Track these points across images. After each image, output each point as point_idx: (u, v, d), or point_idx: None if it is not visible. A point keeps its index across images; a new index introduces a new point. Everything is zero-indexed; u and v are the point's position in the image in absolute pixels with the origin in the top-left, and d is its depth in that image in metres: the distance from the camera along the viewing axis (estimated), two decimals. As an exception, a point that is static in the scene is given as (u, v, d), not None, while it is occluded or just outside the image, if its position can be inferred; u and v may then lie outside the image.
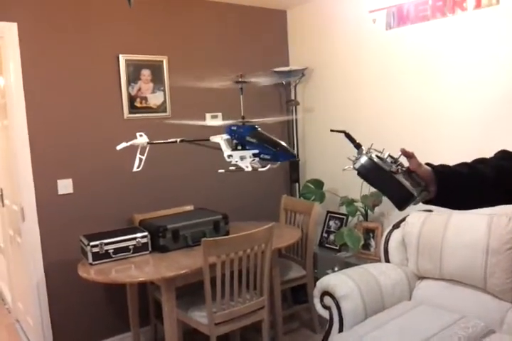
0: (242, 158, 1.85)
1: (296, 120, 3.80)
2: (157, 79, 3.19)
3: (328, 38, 3.54)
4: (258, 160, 1.87)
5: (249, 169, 1.85)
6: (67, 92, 2.90)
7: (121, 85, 3.05)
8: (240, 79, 2.11)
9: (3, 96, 2.95)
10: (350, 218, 3.36)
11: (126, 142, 2.18)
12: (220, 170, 1.94)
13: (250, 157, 1.85)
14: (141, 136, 2.19)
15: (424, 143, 2.96)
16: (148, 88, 3.16)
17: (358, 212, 3.18)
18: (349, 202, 3.13)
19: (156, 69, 3.17)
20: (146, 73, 3.13)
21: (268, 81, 2.53)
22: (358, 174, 1.14)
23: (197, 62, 3.41)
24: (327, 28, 3.53)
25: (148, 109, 3.18)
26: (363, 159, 1.14)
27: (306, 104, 3.82)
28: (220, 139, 1.91)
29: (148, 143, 2.17)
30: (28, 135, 2.78)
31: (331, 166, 3.63)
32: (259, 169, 1.89)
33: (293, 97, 3.77)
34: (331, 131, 1.33)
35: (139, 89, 3.12)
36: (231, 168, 1.92)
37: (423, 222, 2.65)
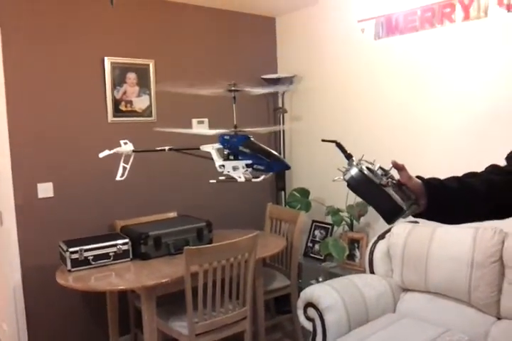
0: (234, 169, 1.81)
1: (283, 128, 3.78)
2: (143, 83, 3.14)
3: (317, 46, 3.53)
4: (251, 171, 1.82)
5: (242, 179, 1.79)
6: (49, 94, 2.83)
7: (106, 88, 3.00)
8: (233, 88, 2.07)
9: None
10: (335, 228, 3.33)
11: (110, 150, 2.11)
12: (211, 181, 1.88)
13: (243, 167, 1.80)
14: (125, 143, 2.11)
15: (413, 154, 2.95)
16: (133, 91, 3.10)
17: (344, 222, 3.15)
18: (334, 212, 3.10)
19: (142, 73, 3.13)
20: (131, 76, 3.08)
21: (261, 90, 2.48)
22: (348, 186, 1.11)
23: (184, 67, 3.37)
24: (316, 37, 3.52)
25: (134, 113, 3.13)
26: (353, 171, 1.12)
27: (293, 112, 3.79)
28: (211, 149, 1.86)
29: (133, 151, 2.10)
30: (8, 137, 2.70)
31: (318, 175, 3.61)
32: (253, 180, 1.83)
33: (281, 105, 3.74)
34: (323, 140, 1.30)
35: (124, 93, 3.07)
36: (221, 177, 1.87)
37: (408, 233, 2.63)
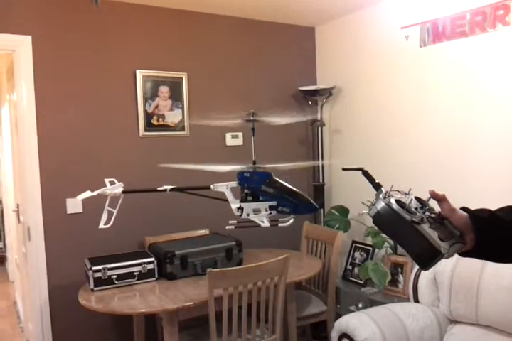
0: (255, 211, 1.54)
1: (321, 142, 3.59)
2: (176, 97, 3.06)
3: (357, 55, 3.34)
4: (275, 214, 1.56)
5: (267, 225, 1.52)
6: (80, 108, 2.80)
7: (138, 102, 2.94)
8: (252, 118, 1.82)
9: (14, 112, 2.87)
10: (377, 250, 3.08)
11: (92, 191, 1.82)
12: (227, 227, 1.60)
13: (266, 210, 1.53)
14: (111, 182, 1.81)
15: (465, 169, 2.69)
16: (166, 105, 3.03)
17: (386, 244, 2.91)
18: (375, 233, 2.87)
19: (174, 86, 3.05)
20: (164, 90, 3.01)
21: (280, 120, 2.20)
22: (374, 223, 0.91)
23: (219, 80, 3.27)
24: (357, 46, 3.34)
25: (166, 127, 3.04)
26: (380, 205, 0.90)
27: (332, 125, 3.60)
28: (226, 188, 1.63)
29: (123, 192, 1.79)
30: (38, 151, 2.68)
31: (358, 192, 3.38)
32: (280, 224, 1.57)
33: (319, 118, 3.56)
34: (343, 169, 1.10)
35: (157, 106, 2.99)
36: (239, 222, 1.59)
37: (458, 258, 2.36)
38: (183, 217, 3.15)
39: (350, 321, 2.25)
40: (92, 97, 2.83)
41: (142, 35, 2.97)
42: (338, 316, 2.44)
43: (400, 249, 2.96)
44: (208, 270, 2.14)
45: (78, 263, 2.76)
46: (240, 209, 1.53)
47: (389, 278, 2.73)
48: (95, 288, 2.41)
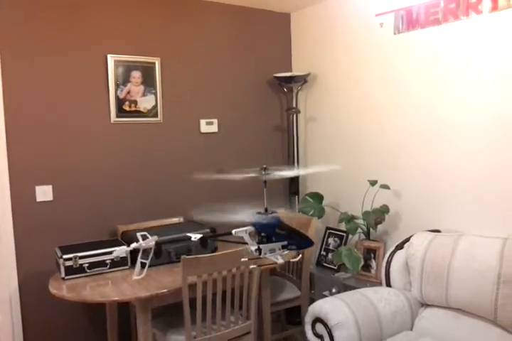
0: (271, 251, 1.79)
1: (297, 129, 3.58)
2: (148, 82, 3.00)
3: (333, 42, 3.33)
4: (285, 251, 1.83)
5: (282, 261, 1.79)
6: (49, 93, 2.72)
7: (109, 87, 2.87)
8: (264, 172, 2.09)
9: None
10: (350, 236, 3.11)
11: (128, 246, 1.97)
12: (243, 259, 1.92)
13: (279, 249, 1.79)
14: (143, 236, 1.95)
15: (437, 158, 2.72)
16: (138, 91, 2.96)
17: (359, 230, 2.93)
18: (349, 219, 2.89)
19: (147, 72, 2.98)
20: (136, 75, 2.94)
21: (287, 173, 2.38)
22: None
23: (192, 65, 3.22)
24: (332, 32, 3.32)
25: (138, 113, 2.99)
26: None
27: (308, 112, 3.60)
28: (245, 233, 1.82)
29: (156, 243, 1.95)
30: (6, 137, 2.60)
31: (333, 179, 3.40)
32: (292, 260, 2.07)
33: (294, 105, 3.55)
34: None
35: (129, 92, 2.93)
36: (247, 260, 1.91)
37: (429, 243, 2.40)
38: (156, 205, 3.11)
39: (324, 306, 2.27)
40: (61, 82, 2.75)
41: (114, 18, 2.89)
42: (312, 301, 2.46)
43: (373, 234, 3.00)
44: (182, 257, 2.13)
45: (49, 252, 2.71)
46: (258, 250, 1.78)
47: (362, 263, 2.77)
48: (66, 277, 2.37)
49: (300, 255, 1.91)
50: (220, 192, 3.35)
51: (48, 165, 2.73)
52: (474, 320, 2.22)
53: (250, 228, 1.83)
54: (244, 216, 1.88)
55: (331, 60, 3.35)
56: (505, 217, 2.41)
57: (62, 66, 2.75)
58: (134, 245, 1.96)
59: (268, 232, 1.82)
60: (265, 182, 1.99)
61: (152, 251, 1.98)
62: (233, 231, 1.85)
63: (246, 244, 1.81)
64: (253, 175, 2.04)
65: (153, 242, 1.97)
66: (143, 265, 2.00)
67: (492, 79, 2.43)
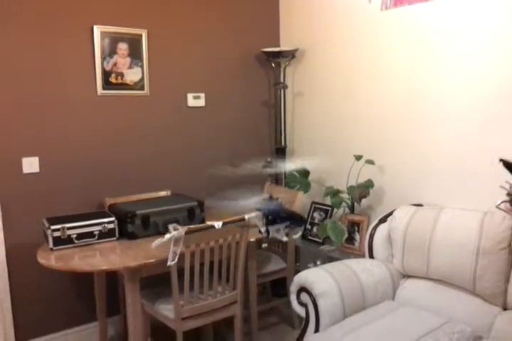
0: (277, 231, 2.17)
1: (284, 104, 3.59)
2: (135, 54, 2.96)
3: (321, 17, 3.31)
4: (288, 230, 2.23)
5: (286, 239, 2.23)
6: (34, 64, 2.67)
7: (95, 59, 2.83)
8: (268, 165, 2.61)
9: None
10: (335, 210, 3.17)
11: (163, 237, 2.13)
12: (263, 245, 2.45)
13: (284, 229, 2.18)
14: (175, 228, 2.17)
15: (421, 133, 2.77)
16: (125, 63, 2.93)
17: (344, 204, 2.99)
18: (334, 193, 2.94)
19: (134, 43, 2.95)
20: (123, 47, 2.90)
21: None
22: None
23: (180, 38, 3.18)
24: (321, 7, 3.30)
25: (125, 86, 2.96)
26: None
27: (295, 88, 3.60)
28: (255, 218, 2.19)
29: (186, 232, 2.14)
30: (-10, 108, 2.56)
31: (319, 154, 3.44)
32: (294, 237, 2.55)
33: (282, 80, 3.55)
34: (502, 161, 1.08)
35: (115, 64, 2.90)
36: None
37: (411, 217, 2.46)
38: (144, 179, 3.12)
39: (309, 275, 2.33)
40: (47, 54, 2.70)
41: (99, -13, 2.83)
42: (297, 273, 2.51)
43: (357, 209, 3.06)
44: (170, 227, 2.16)
45: (36, 224, 2.71)
46: (267, 231, 2.15)
47: (346, 235, 2.83)
48: (54, 248, 2.39)
49: (300, 232, 2.35)
50: (209, 167, 3.37)
51: (35, 137, 2.71)
52: (454, 290, 2.29)
53: (259, 213, 2.20)
54: (250, 202, 2.30)
55: (320, 35, 3.34)
56: (484, 192, 2.47)
57: (48, 37, 2.70)
58: (167, 236, 2.11)
59: (274, 216, 2.17)
60: (270, 175, 2.37)
61: (182, 240, 2.14)
62: (246, 217, 2.25)
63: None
64: (255, 168, 2.44)
65: (184, 231, 2.13)
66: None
67: (477, 56, 2.45)
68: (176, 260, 2.14)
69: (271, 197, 2.30)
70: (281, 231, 2.18)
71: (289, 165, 3.56)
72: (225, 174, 3.43)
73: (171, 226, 2.21)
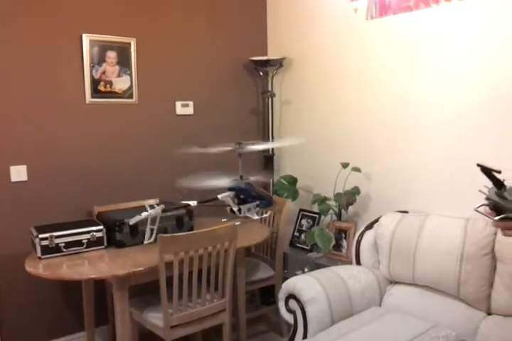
0: (249, 210, 2.25)
1: (272, 112, 3.63)
2: (124, 63, 2.98)
3: (308, 27, 3.36)
4: (258, 209, 2.31)
5: (256, 217, 2.30)
6: (23, 72, 2.68)
7: (84, 67, 2.84)
8: (238, 147, 2.45)
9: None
10: (323, 217, 3.20)
11: (140, 214, 2.33)
12: (237, 223, 2.42)
13: (254, 208, 2.26)
14: (151, 206, 2.35)
15: (406, 140, 2.82)
16: (113, 71, 2.95)
17: (331, 211, 3.02)
18: (321, 200, 2.97)
19: (122, 52, 2.97)
20: (111, 55, 2.92)
21: (259, 147, 2.86)
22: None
23: (168, 47, 3.21)
24: (308, 17, 3.36)
25: (113, 94, 2.97)
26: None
27: (283, 96, 3.64)
28: (228, 198, 2.25)
29: (162, 211, 2.33)
30: (-23, 116, 2.56)
31: (306, 162, 3.47)
32: (263, 216, 2.54)
33: (270, 89, 3.59)
34: (479, 166, 1.15)
35: (104, 72, 2.91)
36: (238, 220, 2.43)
37: (397, 223, 2.50)
38: (132, 187, 3.13)
39: (297, 282, 2.35)
40: (36, 61, 2.71)
41: (88, -3, 2.86)
42: (285, 280, 2.53)
43: (344, 216, 3.09)
44: (159, 235, 2.17)
45: (24, 233, 2.70)
46: (239, 209, 2.23)
47: (333, 242, 2.86)
48: (42, 256, 2.38)
49: (270, 211, 2.53)
50: (196, 174, 3.38)
51: (23, 145, 2.71)
52: (440, 296, 2.33)
53: (232, 193, 2.26)
54: (223, 182, 2.32)
55: (307, 44, 3.39)
56: (467, 199, 2.52)
57: (37, 45, 2.71)
58: (145, 214, 2.32)
59: (245, 195, 2.25)
60: (240, 154, 2.43)
61: (159, 217, 2.35)
62: (219, 196, 2.27)
63: (227, 206, 2.28)
64: (229, 148, 2.44)
65: (160, 209, 2.30)
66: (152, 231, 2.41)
67: (461, 66, 2.51)
68: (152, 238, 2.27)
69: (241, 177, 2.33)
70: (253, 210, 2.26)
71: (277, 173, 3.59)
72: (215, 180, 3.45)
73: (147, 205, 2.37)
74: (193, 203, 2.34)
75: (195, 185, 3.14)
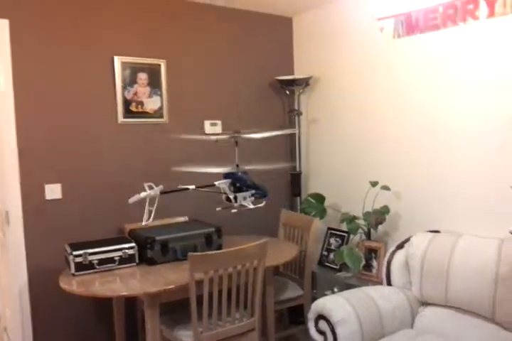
0: (244, 198, 2.35)
1: (299, 131, 3.65)
2: (154, 84, 3.07)
3: (334, 46, 3.40)
4: (253, 199, 2.43)
5: (252, 206, 2.40)
6: (58, 94, 2.78)
7: (116, 88, 2.93)
8: (235, 135, 2.53)
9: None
10: (352, 236, 3.18)
11: (139, 193, 2.36)
12: (218, 209, 2.51)
13: (249, 197, 2.37)
14: (150, 187, 2.36)
15: (436, 160, 2.79)
16: (144, 92, 3.03)
17: (360, 230, 3.00)
18: (350, 219, 2.96)
19: (153, 73, 3.05)
20: (142, 77, 3.01)
21: (258, 135, 2.77)
22: None
23: (197, 67, 3.29)
24: (334, 36, 3.40)
25: (145, 114, 3.05)
26: None
27: (310, 114, 3.67)
28: (225, 185, 2.34)
29: (161, 193, 2.37)
30: (16, 137, 2.66)
31: (335, 180, 3.47)
32: (259, 205, 2.54)
33: (296, 107, 3.62)
34: None
35: (135, 93, 3.00)
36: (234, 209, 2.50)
37: (429, 243, 2.47)
38: (162, 205, 3.15)
39: (327, 303, 2.33)
40: (70, 83, 2.82)
41: (121, 21, 2.96)
42: (314, 300, 2.51)
43: (373, 235, 3.06)
44: (189, 254, 2.19)
45: (58, 249, 2.77)
46: (235, 197, 2.31)
47: (363, 262, 2.83)
48: (76, 273, 2.43)
49: (264, 202, 2.59)
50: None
51: (57, 164, 2.80)
52: (473, 318, 2.28)
53: (228, 181, 2.35)
54: (221, 170, 2.45)
55: (333, 63, 3.43)
56: (501, 219, 2.48)
57: (72, 67, 2.82)
58: (143, 194, 2.33)
59: (241, 183, 2.36)
60: (236, 142, 2.53)
61: (157, 199, 2.36)
62: (216, 183, 2.38)
63: (224, 193, 2.38)
64: (225, 136, 2.64)
65: (159, 191, 2.34)
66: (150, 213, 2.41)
67: (490, 84, 2.50)
68: (151, 220, 2.31)
69: (237, 166, 2.44)
70: (248, 199, 2.37)
71: (304, 191, 3.59)
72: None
73: (146, 185, 2.39)
74: (191, 187, 2.43)
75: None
